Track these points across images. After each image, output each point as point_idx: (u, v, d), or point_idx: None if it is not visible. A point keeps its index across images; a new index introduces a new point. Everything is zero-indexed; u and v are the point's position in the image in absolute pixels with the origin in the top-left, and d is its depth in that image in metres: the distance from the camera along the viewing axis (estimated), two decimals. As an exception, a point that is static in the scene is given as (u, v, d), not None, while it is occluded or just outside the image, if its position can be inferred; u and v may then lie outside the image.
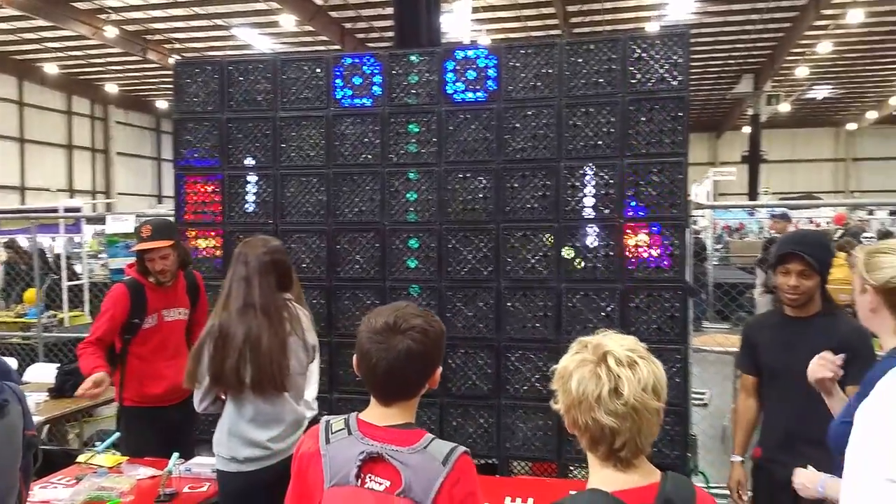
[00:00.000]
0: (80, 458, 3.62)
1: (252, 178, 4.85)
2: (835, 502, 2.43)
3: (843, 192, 37.52)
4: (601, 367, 1.62)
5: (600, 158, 4.38)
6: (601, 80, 4.38)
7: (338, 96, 4.73)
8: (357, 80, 4.71)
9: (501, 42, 22.06)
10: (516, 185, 4.50)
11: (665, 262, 4.34)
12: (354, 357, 2.03)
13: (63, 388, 5.23)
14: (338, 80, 4.72)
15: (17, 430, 2.34)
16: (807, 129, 38.29)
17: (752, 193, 27.36)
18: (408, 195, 4.65)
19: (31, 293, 8.37)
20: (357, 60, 4.72)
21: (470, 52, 4.57)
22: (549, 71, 4.45)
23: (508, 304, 4.52)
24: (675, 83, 4.29)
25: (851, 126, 37.55)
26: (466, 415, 4.59)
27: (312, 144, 4.77)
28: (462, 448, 1.92)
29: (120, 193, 31.27)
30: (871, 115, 34.83)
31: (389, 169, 4.66)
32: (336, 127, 4.73)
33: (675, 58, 4.29)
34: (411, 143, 4.65)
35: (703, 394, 8.48)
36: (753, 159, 28.08)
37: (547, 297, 4.48)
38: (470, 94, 4.55)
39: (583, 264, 4.41)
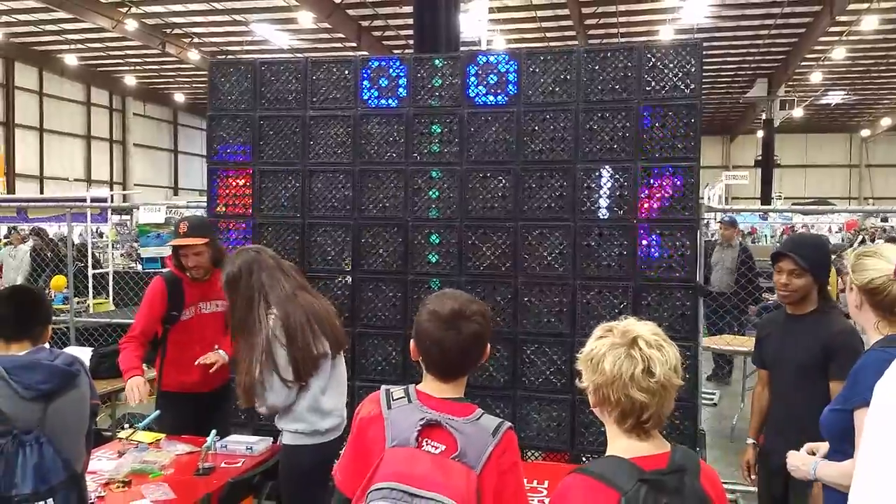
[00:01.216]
0: (122, 434, 3.84)
1: (281, 173, 5.06)
2: (825, 484, 2.65)
3: (857, 198, 37.52)
4: (634, 349, 1.83)
5: (615, 161, 4.57)
6: (617, 87, 4.57)
7: (364, 97, 4.94)
8: (383, 82, 4.91)
9: (516, 43, 22.29)
10: (534, 185, 4.69)
11: (676, 263, 4.53)
12: (412, 344, 2.23)
13: (98, 370, 5.45)
14: (365, 82, 4.93)
15: (87, 400, 2.58)
16: (820, 135, 38.33)
17: (765, 198, 27.45)
18: (430, 193, 4.85)
19: (59, 280, 8.62)
20: (383, 63, 4.93)
21: (492, 58, 4.77)
22: (567, 77, 4.64)
23: (525, 299, 4.72)
24: (688, 91, 4.48)
25: (865, 132, 37.54)
26: (483, 405, 4.68)
27: (340, 142, 4.98)
28: (508, 423, 2.16)
29: (137, 184, 31.61)
30: (886, 121, 34.83)
31: (413, 167, 4.86)
32: (362, 126, 4.93)
33: (688, 67, 4.48)
34: (434, 144, 4.85)
35: (713, 394, 8.68)
36: (766, 164, 28.18)
37: (562, 293, 4.67)
38: (491, 98, 4.75)
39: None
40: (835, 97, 31.62)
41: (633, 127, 4.53)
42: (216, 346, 4.05)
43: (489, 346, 2.28)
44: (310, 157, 5.02)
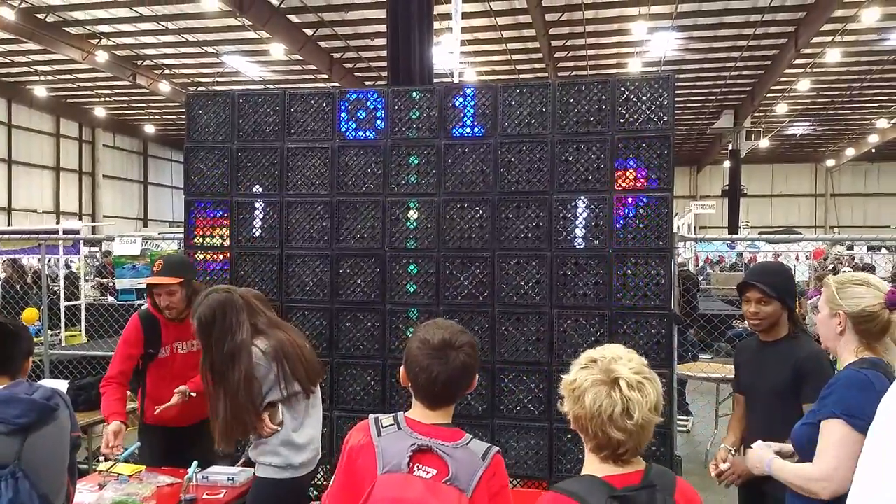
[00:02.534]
0: (102, 467, 3.80)
1: (259, 204, 5.08)
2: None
3: (822, 227, 38.16)
4: (615, 391, 1.87)
5: (591, 192, 4.65)
6: (591, 119, 4.66)
7: (342, 129, 4.99)
8: (361, 114, 4.96)
9: (487, 75, 22.54)
10: (511, 215, 4.76)
11: (651, 292, 4.60)
12: (402, 370, 2.27)
13: (75, 401, 5.39)
14: (343, 114, 4.98)
15: (67, 432, 2.56)
16: (786, 165, 39.05)
17: (733, 227, 27.81)
18: (408, 223, 4.90)
19: (30, 312, 8.51)
20: (361, 95, 4.99)
21: (468, 91, 4.85)
22: (543, 109, 4.72)
23: (503, 328, 4.76)
24: (660, 123, 4.59)
25: (830, 162, 38.29)
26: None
27: (317, 174, 5.01)
28: (496, 448, 2.21)
29: (106, 216, 31.34)
30: (850, 151, 35.56)
31: (391, 198, 4.90)
32: (340, 157, 4.98)
33: (661, 99, 4.59)
34: (412, 174, 4.90)
35: (685, 422, 8.74)
36: (733, 193, 28.58)
37: (539, 322, 4.72)
38: (468, 130, 4.82)
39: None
40: (800, 128, 32.25)
41: (607, 158, 4.62)
42: (178, 388, 4.03)
43: (477, 376, 2.32)
44: (288, 188, 5.04)
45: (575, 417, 1.93)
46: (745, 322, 9.62)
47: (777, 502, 3.23)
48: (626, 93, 4.61)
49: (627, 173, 4.60)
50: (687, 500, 1.93)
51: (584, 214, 4.69)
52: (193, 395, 3.97)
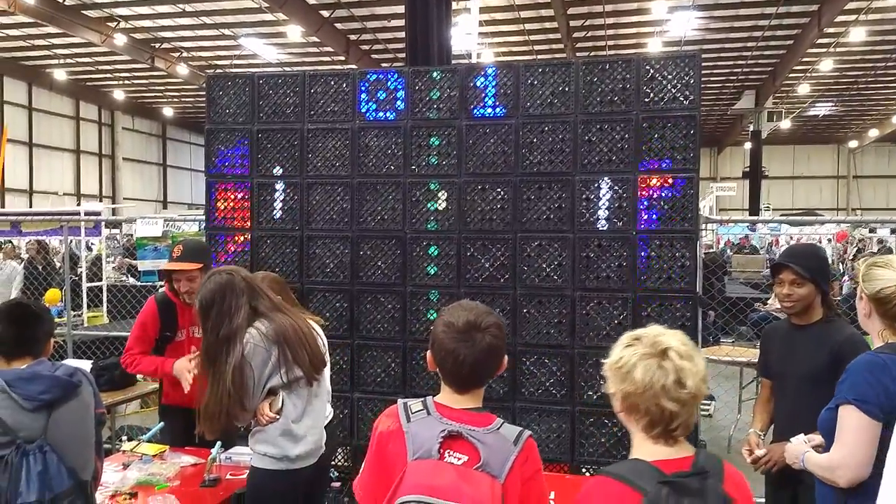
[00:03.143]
0: (126, 447, 3.81)
1: (279, 186, 5.06)
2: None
3: (844, 209, 37.74)
4: (666, 360, 1.85)
5: (614, 173, 4.59)
6: (616, 98, 4.59)
7: (362, 110, 4.95)
8: (381, 95, 4.92)
9: (504, 56, 22.37)
10: (533, 196, 4.71)
11: (676, 274, 4.54)
12: (429, 354, 2.23)
13: (97, 382, 5.39)
14: (363, 95, 4.94)
15: (90, 408, 2.57)
16: (807, 146, 38.58)
17: (753, 209, 27.57)
18: (428, 205, 4.86)
19: (53, 293, 8.56)
20: (381, 76, 4.94)
21: (490, 71, 4.79)
22: (566, 88, 4.66)
23: (524, 310, 4.72)
24: (686, 102, 4.51)
25: (853, 143, 37.80)
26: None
27: (338, 155, 4.99)
28: (528, 431, 2.16)
29: (126, 198, 31.49)
30: (873, 132, 35.09)
31: (411, 179, 4.87)
32: (360, 139, 4.94)
33: (686, 78, 4.51)
34: (432, 156, 4.86)
35: (708, 405, 8.68)
36: (754, 175, 28.30)
37: (561, 305, 4.68)
38: (489, 110, 4.77)
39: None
40: (822, 109, 31.84)
41: (632, 139, 4.55)
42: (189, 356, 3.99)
43: (506, 357, 2.27)
44: (308, 169, 5.02)
45: (623, 396, 1.90)
46: (768, 305, 9.53)
47: (809, 490, 3.20)
48: (651, 71, 4.54)
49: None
50: (735, 487, 1.88)
51: (608, 196, 4.63)
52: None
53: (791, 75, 24.84)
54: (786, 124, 29.75)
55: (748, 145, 30.27)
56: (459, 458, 2.05)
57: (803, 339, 3.36)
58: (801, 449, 2.86)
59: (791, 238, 18.84)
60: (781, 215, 30.11)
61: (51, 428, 2.45)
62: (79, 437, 2.56)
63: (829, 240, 18.68)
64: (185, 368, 3.87)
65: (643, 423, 1.89)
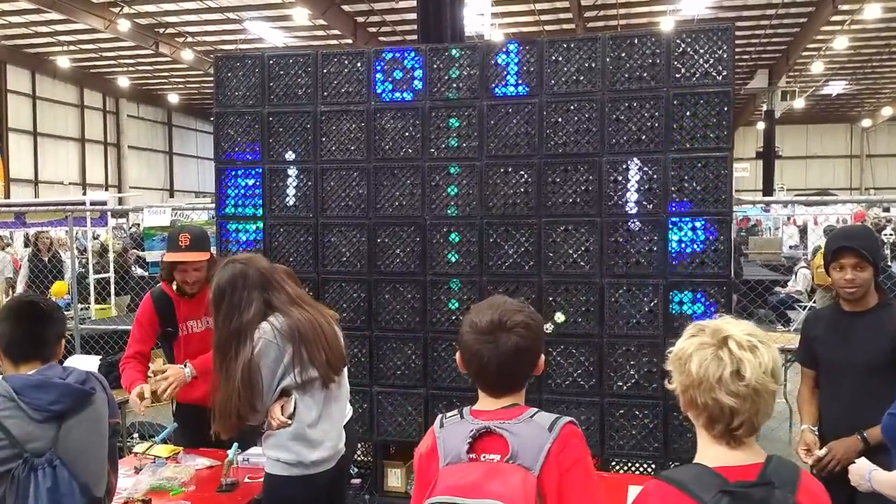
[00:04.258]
0: (138, 449, 3.63)
1: (292, 171, 4.85)
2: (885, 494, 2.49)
3: (858, 189, 37.40)
4: (723, 350, 1.68)
5: (644, 153, 4.37)
6: (645, 75, 4.36)
7: (378, 90, 4.73)
8: (397, 75, 4.70)
9: (514, 37, 22.08)
10: (558, 179, 4.50)
11: (709, 258, 4.33)
12: (458, 356, 2.06)
13: (107, 378, 5.24)
14: (378, 75, 4.72)
15: (104, 419, 2.38)
16: (821, 125, 38.21)
17: (767, 189, 27.27)
18: (448, 189, 4.65)
19: (60, 286, 8.39)
20: (397, 54, 4.72)
21: (511, 47, 4.56)
22: (592, 65, 4.43)
23: (550, 298, 4.52)
24: (719, 78, 4.28)
25: (866, 122, 37.41)
26: None
27: (353, 138, 4.78)
28: (567, 417, 1.96)
29: (132, 187, 31.37)
30: (887, 111, 34.67)
31: (430, 163, 4.66)
32: (376, 121, 4.73)
33: (719, 52, 4.28)
34: (452, 138, 4.65)
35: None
36: (768, 155, 27.98)
37: (589, 293, 4.48)
38: (511, 89, 4.55)
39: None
40: (836, 87, 31.45)
41: (662, 116, 4.33)
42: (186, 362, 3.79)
43: (542, 357, 2.07)
44: (322, 154, 4.81)
45: (683, 390, 1.75)
46: (787, 288, 9.29)
47: (869, 497, 3.00)
48: (682, 45, 4.31)
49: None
50: (811, 499, 1.69)
51: (637, 177, 4.41)
52: (189, 372, 3.72)
53: (805, 54, 24.53)
54: (799, 103, 29.35)
55: (761, 125, 29.93)
56: (493, 458, 1.88)
57: (859, 326, 3.14)
58: (866, 467, 2.62)
59: (809, 219, 18.57)
60: (795, 196, 29.85)
61: (61, 440, 2.24)
62: (91, 450, 2.35)
63: (845, 221, 18.39)
64: (136, 400, 3.64)
65: (702, 419, 1.73)
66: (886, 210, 20.35)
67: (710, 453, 1.73)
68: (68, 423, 2.26)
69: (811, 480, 1.73)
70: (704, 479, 1.65)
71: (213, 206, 5.11)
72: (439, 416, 2.06)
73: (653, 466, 4.69)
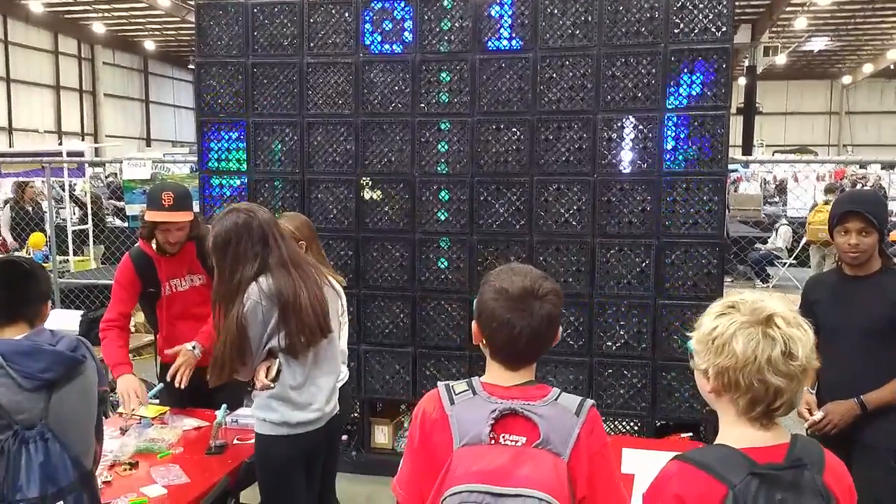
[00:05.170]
0: (123, 409, 3.53)
1: (277, 126, 4.72)
2: None
3: (836, 146, 37.51)
4: (772, 328, 1.58)
5: (639, 111, 4.28)
6: (643, 30, 4.25)
7: (367, 42, 4.59)
8: (387, 26, 4.56)
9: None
10: (551, 137, 4.41)
11: (702, 219, 4.28)
12: (475, 326, 1.93)
13: (88, 335, 5.14)
14: (367, 26, 4.57)
15: (94, 388, 2.28)
16: (801, 82, 38.12)
17: (747, 145, 27.24)
18: (439, 146, 4.55)
19: (36, 237, 8.18)
20: (387, 5, 4.57)
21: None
22: (588, 19, 4.32)
23: (541, 258, 4.46)
24: (718, 34, 4.19)
25: (846, 79, 37.38)
26: None
27: (340, 92, 4.64)
28: (591, 400, 1.86)
29: (108, 136, 30.78)
30: (868, 68, 34.62)
31: (420, 118, 4.54)
32: (365, 74, 4.59)
33: (719, 7, 4.18)
34: (443, 93, 4.53)
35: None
36: (748, 111, 27.88)
37: (580, 252, 4.42)
38: (505, 42, 4.42)
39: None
40: (818, 43, 31.28)
41: (659, 74, 4.23)
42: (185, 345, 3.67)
43: (560, 326, 1.98)
44: (308, 107, 4.67)
45: (719, 372, 1.62)
46: (768, 244, 9.24)
47: (865, 450, 3.00)
48: (682, 0, 4.19)
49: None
50: (836, 479, 1.63)
51: (632, 136, 4.34)
52: (199, 353, 3.61)
53: (788, 9, 24.29)
54: (781, 59, 29.21)
55: (743, 80, 29.77)
56: (517, 440, 1.76)
57: (860, 290, 3.10)
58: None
59: (788, 175, 18.59)
60: (774, 152, 29.87)
61: (52, 411, 2.12)
62: (82, 421, 2.24)
63: (824, 178, 18.42)
64: (129, 391, 3.52)
65: (743, 402, 1.61)
66: (863, 167, 20.46)
67: (736, 433, 1.64)
68: (59, 393, 2.15)
69: (833, 459, 1.67)
70: (732, 461, 1.57)
71: (195, 158, 4.96)
72: (442, 385, 1.90)
73: (639, 425, 4.70)
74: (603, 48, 4.29)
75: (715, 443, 1.66)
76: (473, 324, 1.93)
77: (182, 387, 3.51)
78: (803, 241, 11.28)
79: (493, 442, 1.75)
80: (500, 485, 1.68)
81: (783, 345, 1.57)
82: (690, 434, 4.47)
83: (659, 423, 4.59)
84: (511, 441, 1.76)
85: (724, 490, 1.53)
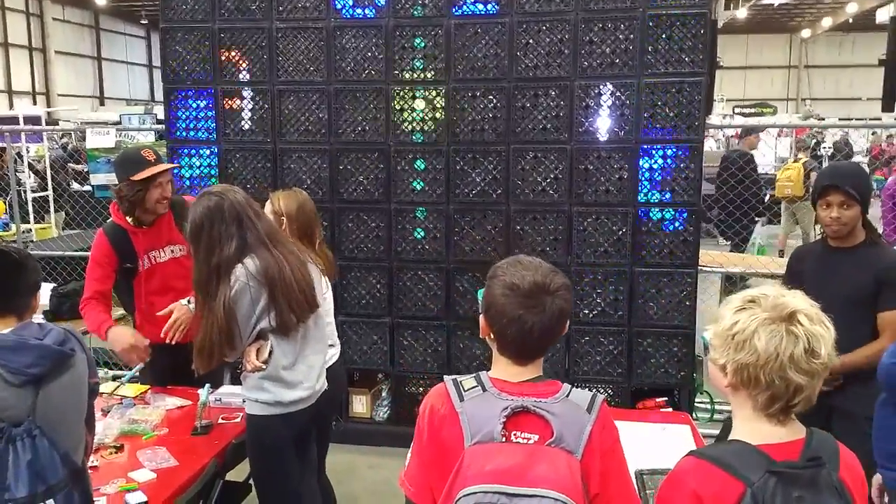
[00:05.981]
0: (104, 389, 3.46)
1: (247, 93, 4.59)
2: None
3: (794, 100, 37.87)
4: (795, 325, 1.56)
5: (617, 77, 4.24)
6: (620, -6, 4.20)
7: (338, 6, 4.47)
8: (359, -11, 4.44)
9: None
10: (528, 104, 4.35)
11: (679, 186, 4.29)
12: (483, 320, 1.89)
13: (59, 310, 5.03)
14: (338, -11, 4.45)
15: (84, 381, 2.21)
16: (761, 36, 38.27)
17: (708, 101, 27.35)
18: (413, 114, 4.47)
19: (-5, 204, 7.93)
20: (359, -33, 4.44)
21: (479, -38, 4.33)
22: (565, -18, 4.24)
23: (517, 227, 4.44)
24: (696, -1, 4.15)
25: (805, 33, 37.60)
26: (471, 338, 4.56)
27: (311, 58, 4.53)
28: (601, 395, 1.84)
29: (60, 95, 29.94)
30: (826, 21, 34.84)
31: (394, 86, 4.45)
32: (337, 39, 4.48)
33: (697, -29, 4.13)
34: (417, 59, 4.44)
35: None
36: (710, 66, 27.95)
37: (557, 221, 4.41)
38: (480, 7, 4.34)
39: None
40: (779, -4, 31.37)
41: (637, 39, 4.18)
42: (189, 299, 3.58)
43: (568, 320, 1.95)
44: (278, 74, 4.55)
45: (739, 367, 1.60)
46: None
47: (843, 417, 3.04)
48: (660, -36, 4.14)
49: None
50: (851, 475, 1.63)
51: (609, 102, 4.30)
52: (193, 308, 3.53)
53: (750, -38, 24.31)
54: (742, 13, 29.27)
55: (704, 35, 29.79)
56: (529, 438, 1.73)
57: (845, 260, 3.14)
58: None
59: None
60: (734, 107, 30.06)
61: (40, 407, 2.04)
62: (71, 416, 2.17)
63: (786, 134, 18.62)
64: (125, 342, 3.48)
65: (763, 398, 1.60)
66: (821, 119, 20.71)
67: (753, 429, 1.63)
68: (47, 388, 2.07)
69: (847, 453, 1.67)
70: (749, 458, 1.56)
71: (162, 126, 4.82)
72: (449, 380, 1.87)
73: (612, 392, 4.72)
74: (580, 13, 4.22)
75: (730, 437, 1.64)
76: (481, 318, 1.88)
77: (174, 343, 3.42)
78: (767, 198, 11.38)
79: (504, 440, 1.72)
80: (514, 485, 1.65)
81: (806, 342, 1.55)
82: (665, 399, 4.51)
83: (633, 388, 4.63)
84: (523, 439, 1.73)
85: (741, 488, 1.52)
